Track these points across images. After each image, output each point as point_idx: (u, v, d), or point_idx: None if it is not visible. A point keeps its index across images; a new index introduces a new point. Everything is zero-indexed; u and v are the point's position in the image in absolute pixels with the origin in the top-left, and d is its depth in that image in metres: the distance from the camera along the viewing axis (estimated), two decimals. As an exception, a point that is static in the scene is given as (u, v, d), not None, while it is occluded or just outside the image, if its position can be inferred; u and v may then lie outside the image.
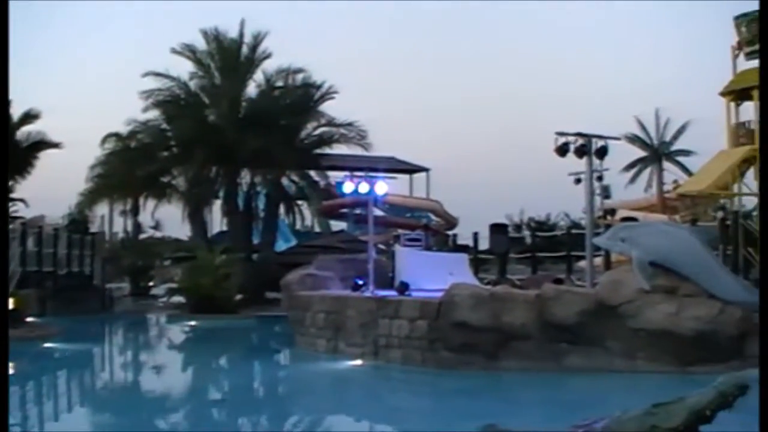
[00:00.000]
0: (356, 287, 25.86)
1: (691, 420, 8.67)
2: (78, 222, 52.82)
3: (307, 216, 54.55)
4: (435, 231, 50.26)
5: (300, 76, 47.01)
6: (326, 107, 47.00)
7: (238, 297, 40.64)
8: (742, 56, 38.80)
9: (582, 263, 31.16)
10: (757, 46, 37.76)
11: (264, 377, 25.45)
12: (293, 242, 51.01)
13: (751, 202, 41.48)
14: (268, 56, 46.70)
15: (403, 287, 24.44)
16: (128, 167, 46.27)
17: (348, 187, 26.90)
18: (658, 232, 22.97)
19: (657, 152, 57.89)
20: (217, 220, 51.83)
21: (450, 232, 51.44)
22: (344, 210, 51.57)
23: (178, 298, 42.57)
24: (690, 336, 19.72)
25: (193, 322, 36.99)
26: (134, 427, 16.07)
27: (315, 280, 28.03)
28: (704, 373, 16.12)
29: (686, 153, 57.86)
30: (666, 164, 58.27)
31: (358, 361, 23.24)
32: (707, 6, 71.03)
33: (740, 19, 38.46)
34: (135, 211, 53.97)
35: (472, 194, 66.60)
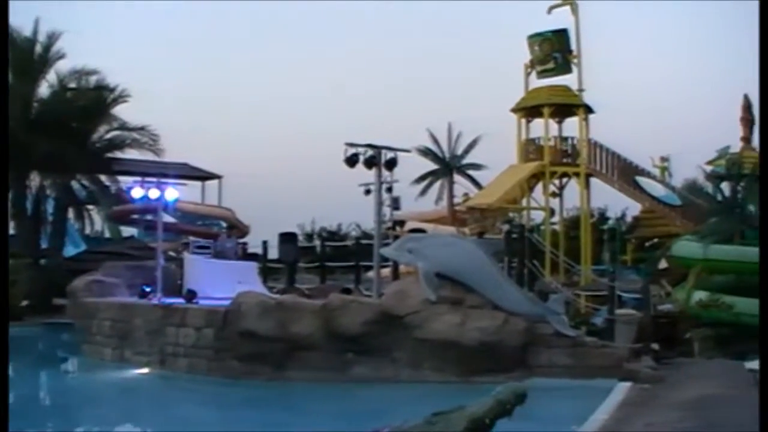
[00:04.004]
0: (143, 294, 25.55)
1: (470, 428, 8.81)
2: None
3: (97, 221, 53.43)
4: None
5: (94, 78, 45.90)
6: (120, 111, 46.04)
7: (24, 303, 39.42)
8: (534, 74, 39.76)
9: (371, 273, 31.39)
10: (548, 65, 38.94)
11: (48, 386, 24.87)
12: (83, 248, 49.90)
13: (539, 216, 42.57)
14: (62, 56, 45.15)
15: (191, 295, 24.23)
16: None
17: (137, 193, 26.60)
18: (445, 244, 23.36)
19: (448, 165, 58.59)
20: (3, 224, 50.26)
21: (241, 241, 51.09)
22: (135, 216, 50.64)
23: (-40, 305, 41.13)
24: (474, 346, 19.97)
25: (-26, 330, 35.71)
26: None
27: (102, 287, 27.57)
28: (488, 382, 16.30)
29: (477, 167, 58.64)
30: (457, 177, 58.92)
31: (145, 370, 22.94)
32: (501, 23, 73.06)
33: (534, 38, 39.31)
34: None
35: (265, 203, 66.22)
